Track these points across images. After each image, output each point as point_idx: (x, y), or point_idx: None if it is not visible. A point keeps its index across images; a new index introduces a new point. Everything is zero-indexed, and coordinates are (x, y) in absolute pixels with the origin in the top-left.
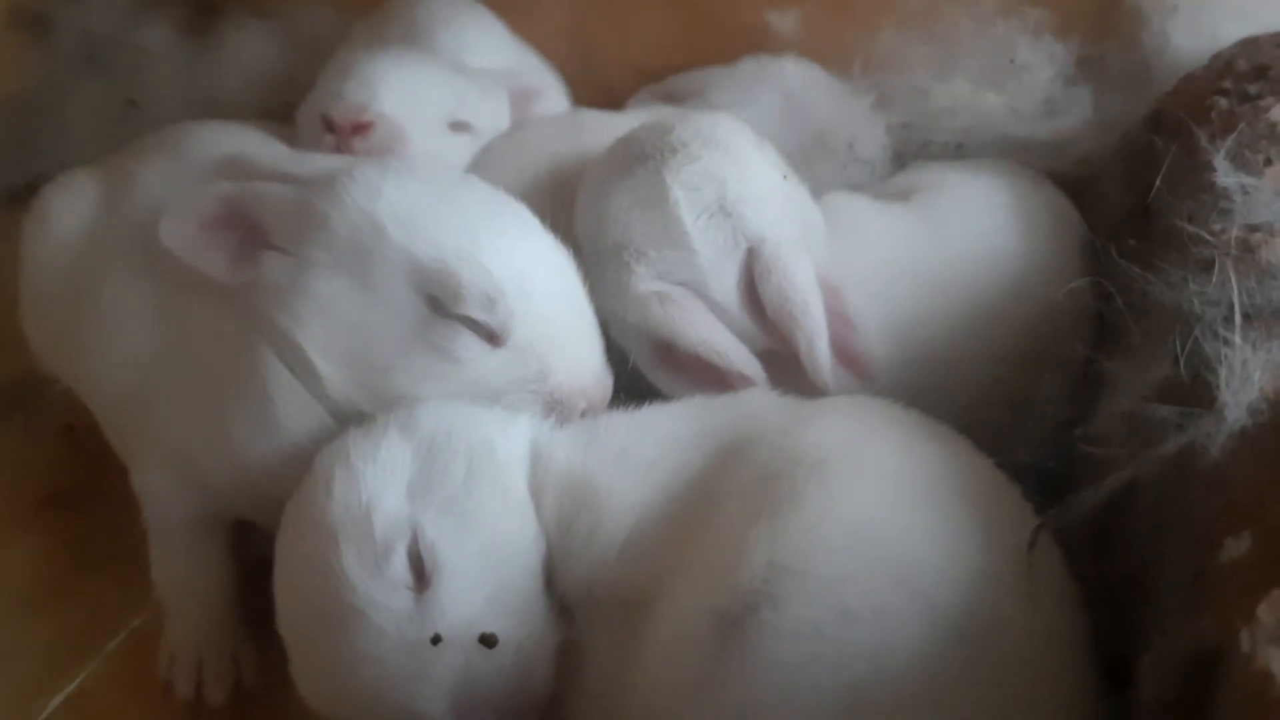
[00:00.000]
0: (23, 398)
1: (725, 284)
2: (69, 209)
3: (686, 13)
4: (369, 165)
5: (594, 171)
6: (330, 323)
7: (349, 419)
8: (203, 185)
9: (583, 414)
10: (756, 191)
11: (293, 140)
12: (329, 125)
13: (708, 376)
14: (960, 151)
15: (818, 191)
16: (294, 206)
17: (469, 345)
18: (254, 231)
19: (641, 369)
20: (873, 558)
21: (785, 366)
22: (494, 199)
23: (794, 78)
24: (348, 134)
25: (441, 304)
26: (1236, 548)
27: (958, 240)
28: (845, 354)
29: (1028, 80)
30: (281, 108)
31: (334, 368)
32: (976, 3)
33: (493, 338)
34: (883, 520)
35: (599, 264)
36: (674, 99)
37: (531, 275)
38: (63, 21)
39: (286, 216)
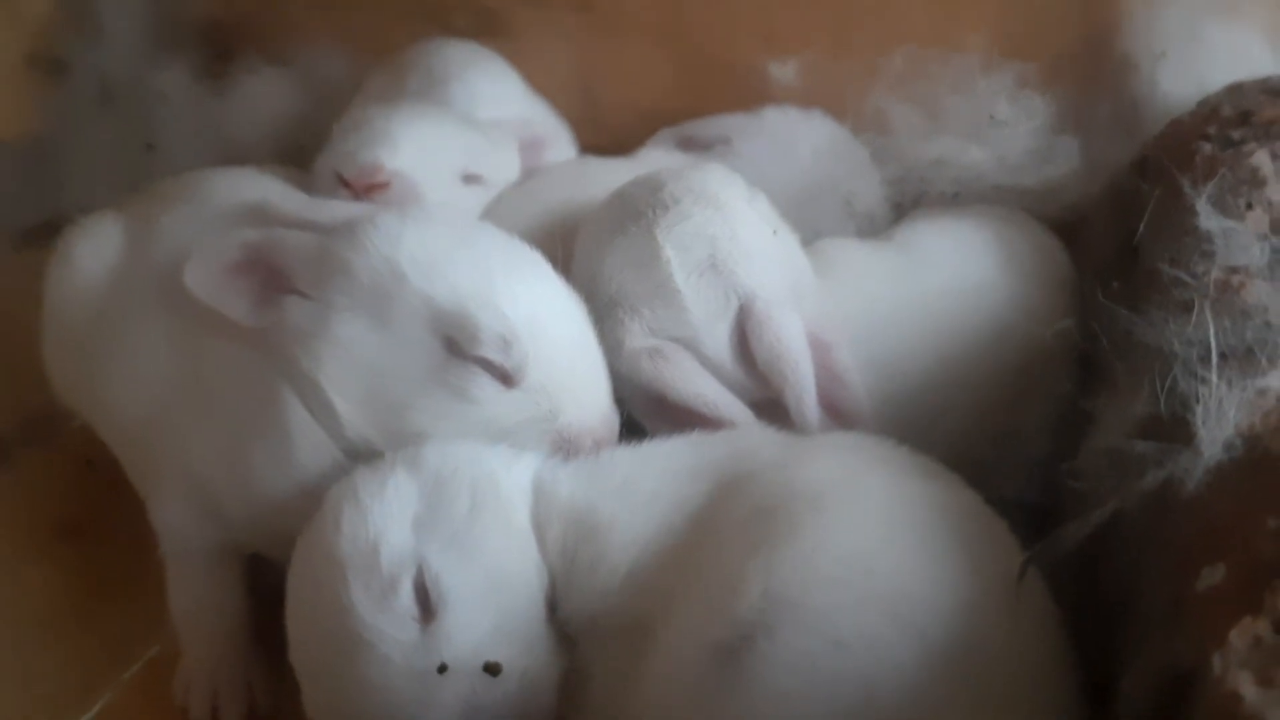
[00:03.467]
0: (43, 432)
1: (718, 340)
2: (92, 251)
3: (687, 59)
4: (389, 213)
5: (589, 228)
6: (350, 363)
7: (362, 457)
8: (226, 232)
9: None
10: (748, 249)
11: (308, 184)
12: (344, 183)
13: (700, 425)
14: (956, 200)
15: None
16: (316, 252)
17: (484, 386)
18: (275, 276)
19: (636, 417)
20: (865, 589)
21: (776, 413)
22: (509, 245)
23: (804, 127)
24: (363, 192)
25: (458, 346)
26: (1212, 577)
27: (943, 277)
28: (833, 408)
29: (1009, 134)
30: (295, 151)
31: (352, 407)
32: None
33: (507, 379)
34: (875, 553)
35: (595, 317)
36: (695, 142)
37: (544, 319)
38: (80, 65)
39: (309, 262)
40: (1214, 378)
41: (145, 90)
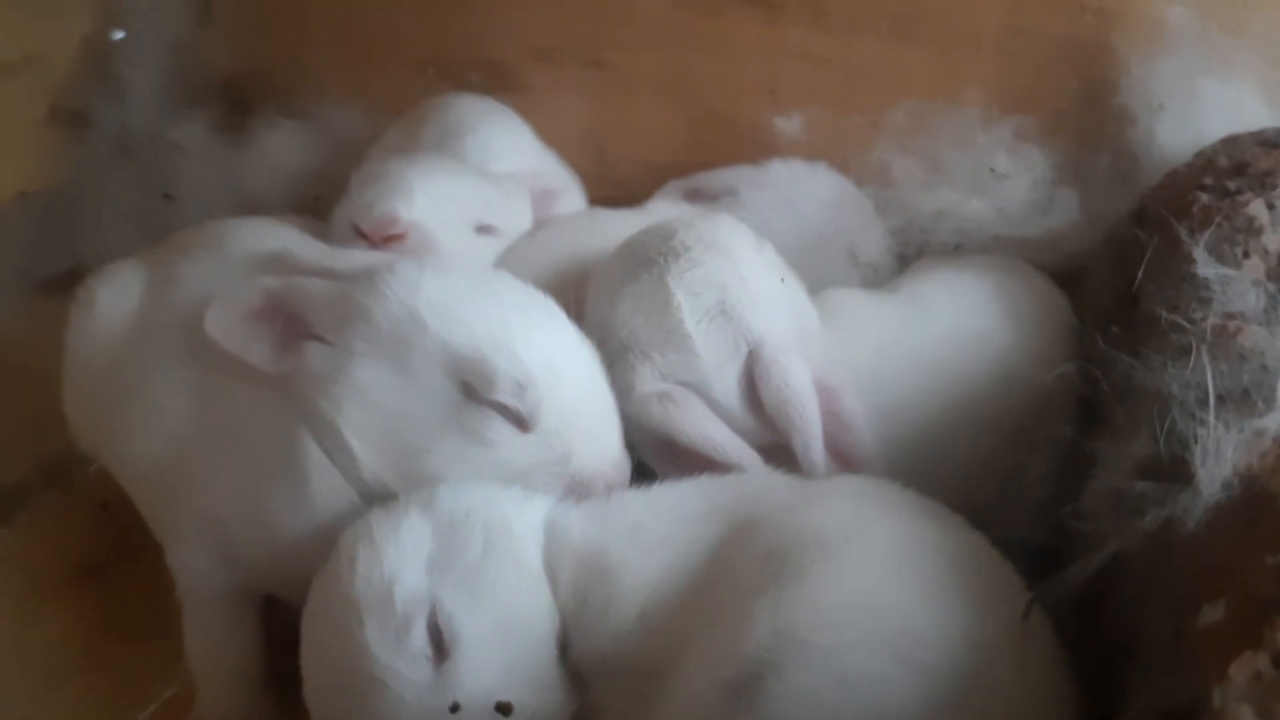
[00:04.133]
0: (61, 476)
1: (726, 385)
2: (114, 298)
3: (695, 114)
4: (408, 261)
5: (601, 274)
6: (368, 407)
7: (377, 499)
8: (247, 279)
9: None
10: (756, 295)
11: (324, 234)
12: (361, 234)
13: (709, 469)
14: (958, 250)
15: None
16: (336, 299)
17: (499, 429)
18: (294, 322)
19: (646, 460)
20: (872, 629)
21: (784, 458)
22: (524, 293)
23: (808, 179)
24: (379, 243)
25: (475, 390)
26: (1212, 613)
27: (945, 323)
28: (839, 453)
29: (1009, 186)
30: (310, 203)
31: (369, 450)
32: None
33: (522, 423)
34: (882, 593)
35: (607, 362)
36: (702, 194)
37: (559, 364)
38: (101, 118)
39: (329, 309)
40: (1212, 419)
41: (164, 143)
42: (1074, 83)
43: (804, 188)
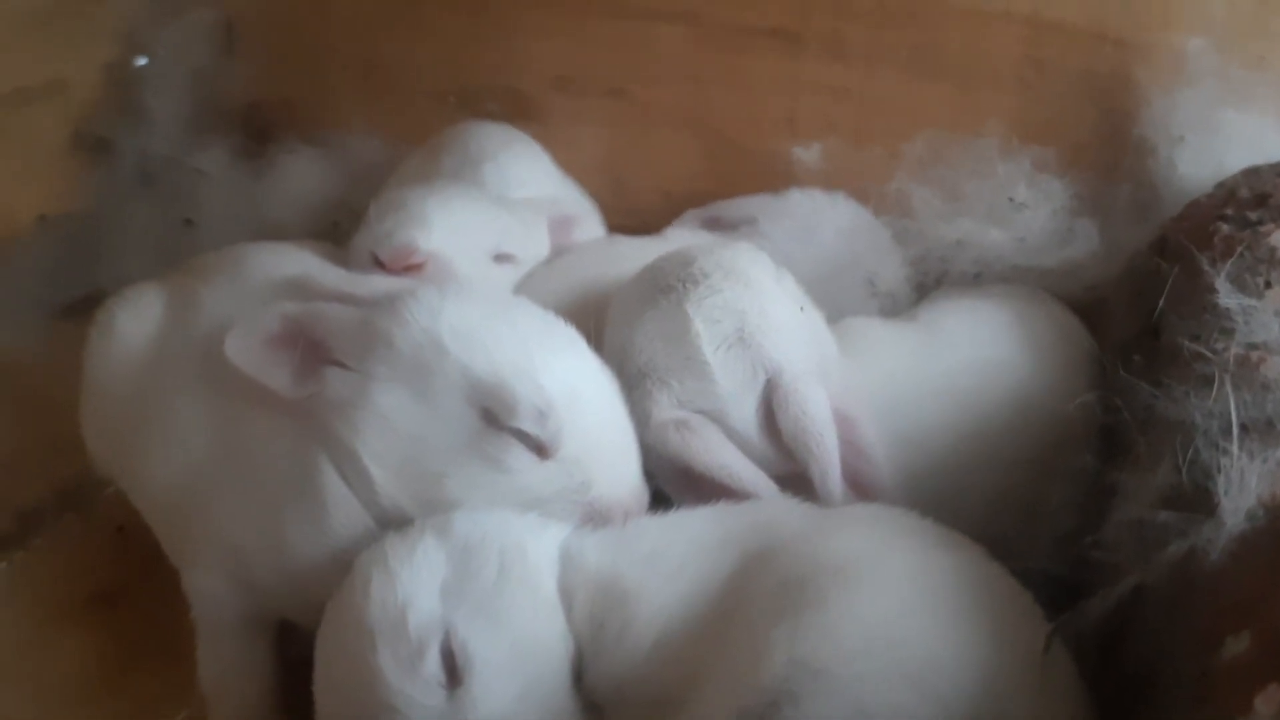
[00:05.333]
0: (76, 499)
1: (744, 413)
2: (133, 321)
3: (713, 144)
4: (430, 288)
5: (620, 301)
6: (388, 433)
7: (393, 524)
8: (267, 304)
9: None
10: (775, 323)
11: (343, 260)
12: (379, 264)
13: (725, 497)
14: (977, 280)
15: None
16: (357, 325)
17: (519, 456)
18: (315, 348)
19: (663, 487)
20: (890, 659)
21: (801, 487)
22: (546, 320)
23: (827, 209)
24: (398, 273)
25: (495, 417)
26: (1236, 646)
27: (964, 352)
28: (857, 483)
29: (1028, 216)
30: (329, 229)
31: (388, 475)
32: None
33: (542, 450)
34: (900, 624)
35: (624, 388)
36: (721, 223)
37: (580, 392)
38: (123, 144)
39: (350, 334)
40: (1235, 449)
41: (185, 170)
42: (1094, 114)
43: (823, 217)
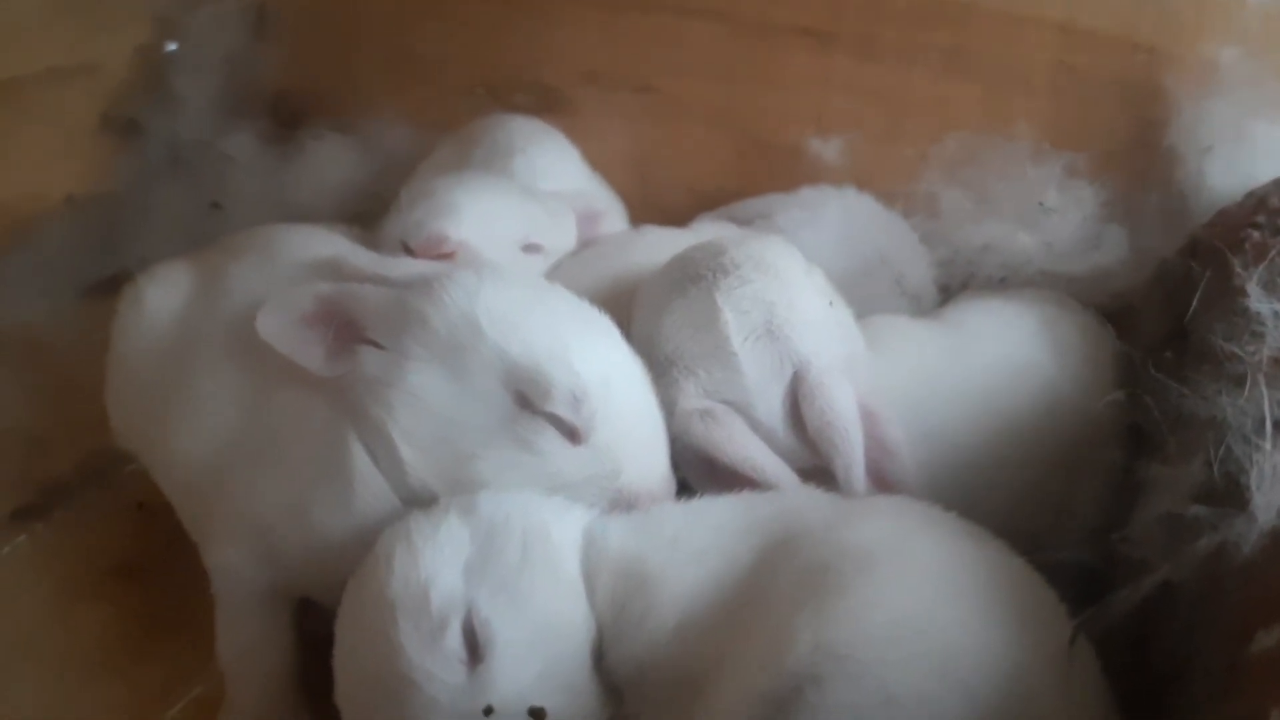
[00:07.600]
0: (97, 475)
1: (770, 404)
2: (162, 297)
3: (737, 140)
4: (466, 270)
5: (649, 287)
6: (421, 412)
7: (418, 504)
8: (301, 284)
9: None
10: (804, 316)
11: (371, 245)
12: (409, 252)
13: (748, 487)
14: (1004, 284)
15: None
16: (392, 305)
17: (551, 440)
18: (347, 327)
19: (686, 476)
20: (916, 647)
21: (824, 481)
22: (581, 307)
23: (854, 208)
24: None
25: (529, 400)
26: (1267, 639)
27: (991, 351)
28: (881, 478)
29: (1058, 221)
30: (355, 216)
31: (418, 454)
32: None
33: (574, 435)
34: (926, 612)
35: (651, 376)
36: (737, 221)
37: (614, 380)
38: (152, 128)
39: (384, 314)
40: (1268, 445)
41: (214, 153)
42: (1124, 122)
43: (851, 215)
